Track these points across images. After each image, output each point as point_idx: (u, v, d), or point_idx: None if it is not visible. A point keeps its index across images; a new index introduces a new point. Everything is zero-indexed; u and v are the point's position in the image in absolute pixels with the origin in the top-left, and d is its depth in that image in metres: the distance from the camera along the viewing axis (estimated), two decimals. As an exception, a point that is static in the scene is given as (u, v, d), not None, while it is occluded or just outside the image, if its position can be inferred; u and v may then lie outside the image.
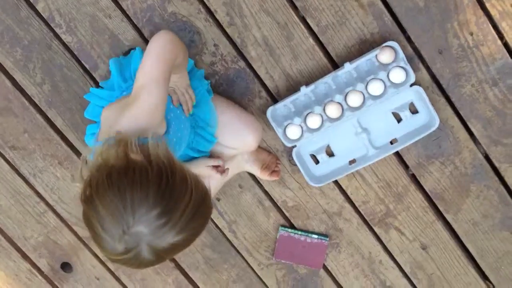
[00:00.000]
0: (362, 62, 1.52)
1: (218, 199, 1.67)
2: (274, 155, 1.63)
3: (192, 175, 1.03)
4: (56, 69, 1.57)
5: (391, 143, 1.60)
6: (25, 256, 1.71)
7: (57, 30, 1.54)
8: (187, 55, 1.34)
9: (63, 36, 1.55)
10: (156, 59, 1.13)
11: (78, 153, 1.63)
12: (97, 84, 1.58)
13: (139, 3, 1.52)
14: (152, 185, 0.98)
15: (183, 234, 0.99)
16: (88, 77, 1.58)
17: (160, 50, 1.15)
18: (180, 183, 1.00)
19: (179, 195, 0.99)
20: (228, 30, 1.54)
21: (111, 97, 1.39)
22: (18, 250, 1.71)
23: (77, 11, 1.53)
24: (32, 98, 1.59)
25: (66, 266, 1.73)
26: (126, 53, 1.54)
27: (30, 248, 1.70)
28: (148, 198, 0.97)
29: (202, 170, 1.44)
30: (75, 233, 1.69)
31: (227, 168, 1.48)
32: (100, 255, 1.71)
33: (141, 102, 1.10)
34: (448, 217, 1.69)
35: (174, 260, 1.72)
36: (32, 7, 1.53)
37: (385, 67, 1.52)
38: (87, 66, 1.57)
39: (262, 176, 1.61)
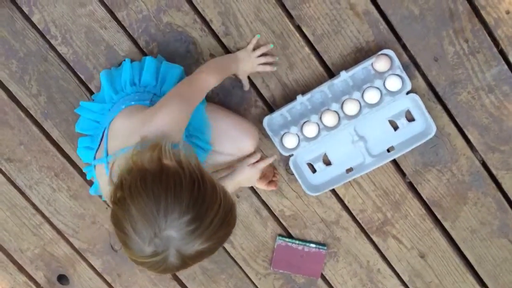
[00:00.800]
0: (358, 70, 1.52)
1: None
2: (272, 165, 1.63)
3: (220, 185, 1.06)
4: (52, 80, 1.57)
5: (388, 151, 1.60)
6: (21, 269, 1.70)
7: (53, 42, 1.54)
8: (228, 69, 1.45)
9: (58, 48, 1.55)
10: (194, 87, 1.29)
11: (74, 164, 1.63)
12: (92, 95, 1.57)
13: (134, 14, 1.52)
14: (186, 191, 1.00)
15: (209, 242, 1.02)
16: (84, 88, 1.57)
17: (200, 85, 1.30)
18: (210, 191, 1.03)
19: (210, 203, 1.02)
20: (223, 40, 1.54)
21: (102, 109, 1.39)
22: (15, 262, 1.70)
23: (73, 22, 1.53)
24: (28, 109, 1.59)
25: (62, 278, 1.72)
26: (120, 64, 1.54)
27: (27, 261, 1.69)
28: (182, 204, 0.99)
29: (249, 171, 1.48)
30: (71, 245, 1.68)
31: (273, 156, 1.55)
32: (97, 266, 1.70)
33: (173, 109, 1.16)
34: (446, 224, 1.69)
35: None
36: (28, 19, 1.53)
37: (381, 75, 1.52)
38: (83, 77, 1.57)
39: (260, 185, 1.61)
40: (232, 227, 1.07)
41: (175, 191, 1.00)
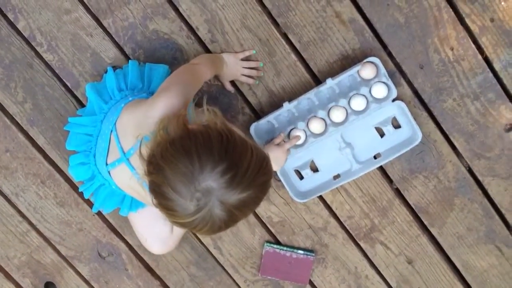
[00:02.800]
0: (344, 77, 1.52)
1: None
2: None
3: (248, 139, 1.09)
4: (38, 87, 1.56)
5: (375, 157, 1.60)
6: (8, 276, 1.69)
7: (38, 49, 1.54)
8: (217, 67, 1.45)
9: (44, 55, 1.54)
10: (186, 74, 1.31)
11: (60, 171, 1.62)
12: (78, 102, 1.57)
13: (120, 21, 1.52)
14: (215, 143, 1.03)
15: (250, 190, 1.03)
16: (70, 95, 1.57)
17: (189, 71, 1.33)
18: (240, 141, 1.05)
19: (242, 151, 1.04)
20: (210, 47, 1.54)
21: (94, 121, 1.39)
22: (1, 270, 1.69)
23: (58, 29, 1.52)
24: (14, 117, 1.58)
25: (50, 286, 1.71)
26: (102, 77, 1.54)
27: (14, 268, 1.68)
28: (213, 154, 1.01)
29: (276, 151, 1.48)
30: (58, 252, 1.68)
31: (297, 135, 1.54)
32: (84, 273, 1.69)
33: (176, 87, 1.21)
34: (433, 231, 1.69)
35: (159, 279, 1.71)
36: (13, 26, 1.53)
37: (367, 82, 1.52)
38: (68, 85, 1.56)
39: None
40: (270, 176, 1.08)
41: (205, 144, 1.02)
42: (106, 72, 1.49)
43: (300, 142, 1.56)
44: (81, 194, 1.63)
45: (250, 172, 1.03)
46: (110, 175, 1.32)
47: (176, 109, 1.15)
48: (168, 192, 1.02)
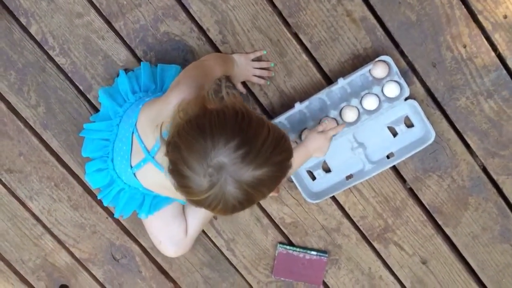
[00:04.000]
0: (356, 77, 1.52)
1: (215, 217, 1.66)
2: None
3: (267, 120, 1.07)
4: (51, 91, 1.57)
5: (388, 157, 1.59)
6: (23, 279, 1.70)
7: (51, 53, 1.55)
8: (227, 66, 1.44)
9: (56, 58, 1.55)
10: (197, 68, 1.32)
11: (74, 174, 1.63)
12: (91, 105, 1.58)
13: (131, 23, 1.53)
14: (229, 120, 1.02)
15: (265, 168, 1.01)
16: (83, 98, 1.58)
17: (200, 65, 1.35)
18: (256, 120, 1.04)
19: (257, 128, 1.03)
20: (221, 48, 1.54)
21: (110, 126, 1.39)
22: (16, 273, 1.70)
23: (70, 33, 1.53)
24: (27, 120, 1.59)
25: (64, 288, 1.72)
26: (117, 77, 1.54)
27: (28, 271, 1.69)
28: (226, 130, 1.01)
29: (319, 139, 1.44)
30: (72, 255, 1.68)
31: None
32: (99, 276, 1.70)
33: (188, 80, 1.23)
34: (448, 230, 1.68)
35: (173, 281, 1.71)
36: (25, 30, 1.54)
37: (379, 81, 1.51)
38: (81, 88, 1.57)
39: None
40: (289, 156, 1.06)
41: (219, 121, 1.02)
42: (118, 75, 1.50)
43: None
44: (94, 197, 1.64)
45: (265, 149, 1.02)
46: (136, 177, 1.32)
47: (194, 90, 1.18)
48: (183, 169, 1.02)
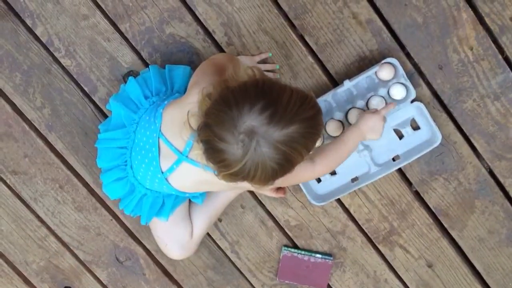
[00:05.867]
0: (362, 79, 1.51)
1: (220, 220, 1.66)
2: None
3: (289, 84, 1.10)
4: (56, 93, 1.57)
5: (394, 160, 1.58)
6: (27, 281, 1.70)
7: (56, 54, 1.55)
8: (235, 64, 1.44)
9: (62, 60, 1.55)
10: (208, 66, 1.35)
11: (78, 176, 1.63)
12: (96, 107, 1.58)
13: (137, 25, 1.53)
14: (251, 87, 1.06)
15: (295, 125, 1.03)
16: (88, 100, 1.58)
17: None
18: (278, 83, 1.07)
19: (279, 89, 1.06)
20: (226, 50, 1.54)
21: (126, 133, 1.38)
22: (20, 275, 1.70)
23: (76, 35, 1.53)
24: (32, 122, 1.59)
25: (68, 291, 1.72)
26: (126, 74, 1.54)
27: (32, 273, 1.69)
28: (250, 96, 1.04)
29: (371, 119, 1.41)
30: (76, 257, 1.68)
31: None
32: (103, 278, 1.70)
33: (202, 69, 1.30)
34: (454, 233, 1.67)
35: (177, 283, 1.70)
36: (31, 31, 1.54)
37: (385, 83, 1.51)
38: (86, 89, 1.57)
39: (268, 192, 1.59)
40: (318, 111, 1.08)
41: (241, 90, 1.05)
42: (124, 81, 1.49)
43: (317, 144, 1.54)
44: (99, 199, 1.64)
45: (292, 106, 1.03)
46: (167, 181, 1.31)
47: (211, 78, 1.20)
48: (216, 144, 1.04)
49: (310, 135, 1.07)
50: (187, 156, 1.25)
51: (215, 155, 1.07)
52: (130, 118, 1.38)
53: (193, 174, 1.26)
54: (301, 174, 1.29)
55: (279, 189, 1.60)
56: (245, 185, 1.14)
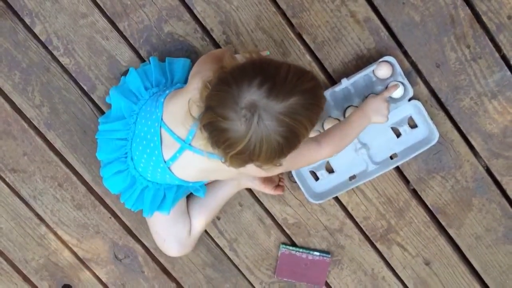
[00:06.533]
0: (360, 77, 1.52)
1: (218, 218, 1.66)
2: None
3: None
4: (55, 91, 1.58)
5: (391, 158, 1.59)
6: (26, 279, 1.71)
7: (55, 53, 1.55)
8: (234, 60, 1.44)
9: (61, 59, 1.56)
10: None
11: (77, 174, 1.63)
12: (95, 106, 1.58)
13: (135, 24, 1.53)
14: (248, 65, 1.08)
15: (296, 96, 1.04)
16: (87, 98, 1.58)
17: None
18: (274, 60, 1.09)
19: (276, 65, 1.07)
20: (225, 48, 1.54)
21: (126, 124, 1.39)
22: (19, 272, 1.70)
23: (74, 33, 1.54)
24: (31, 120, 1.60)
25: (67, 288, 1.73)
26: (125, 73, 1.54)
27: (32, 271, 1.70)
28: (247, 73, 1.05)
29: (374, 101, 1.43)
30: (75, 255, 1.69)
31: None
32: (101, 275, 1.70)
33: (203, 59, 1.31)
34: (451, 231, 1.67)
35: (175, 281, 1.71)
36: (30, 30, 1.54)
37: (382, 82, 1.51)
38: (85, 88, 1.58)
39: (266, 190, 1.59)
40: (317, 84, 1.09)
41: (238, 69, 1.07)
42: (124, 74, 1.50)
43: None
44: (98, 197, 1.64)
45: (290, 79, 1.04)
46: (170, 170, 1.31)
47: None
48: (220, 123, 1.05)
49: (312, 107, 1.07)
50: (190, 144, 1.25)
51: (219, 136, 1.07)
52: (130, 109, 1.39)
53: (197, 162, 1.27)
54: (308, 155, 1.30)
55: (277, 186, 1.60)
56: (252, 171, 1.14)
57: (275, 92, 1.03)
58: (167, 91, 1.34)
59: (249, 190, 1.64)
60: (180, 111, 1.22)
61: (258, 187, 1.59)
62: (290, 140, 1.06)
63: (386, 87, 1.50)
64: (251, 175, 1.40)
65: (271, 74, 1.05)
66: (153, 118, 1.31)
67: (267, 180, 1.58)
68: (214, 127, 1.07)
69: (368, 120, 1.41)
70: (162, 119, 1.29)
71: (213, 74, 1.13)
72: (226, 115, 1.05)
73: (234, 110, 1.04)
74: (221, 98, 1.06)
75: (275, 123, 1.04)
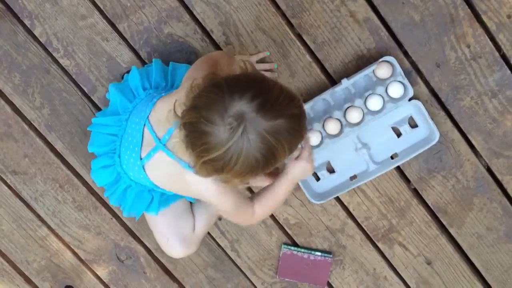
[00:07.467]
0: (360, 77, 1.52)
1: (220, 218, 1.66)
2: None
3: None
4: (55, 93, 1.58)
5: (392, 158, 1.59)
6: (28, 280, 1.71)
7: (55, 54, 1.55)
8: (233, 63, 1.43)
9: (61, 60, 1.56)
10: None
11: (78, 175, 1.63)
12: (95, 107, 1.58)
13: (135, 25, 1.53)
14: (243, 76, 1.08)
15: (283, 119, 1.04)
16: (87, 100, 1.58)
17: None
18: (268, 79, 1.09)
19: (270, 83, 1.07)
20: (224, 50, 1.54)
21: (119, 121, 1.39)
22: (21, 274, 1.70)
23: (74, 35, 1.54)
24: (32, 122, 1.60)
25: (69, 289, 1.73)
26: (128, 72, 1.54)
27: (33, 272, 1.70)
28: (241, 83, 1.06)
29: (299, 165, 1.38)
30: (77, 256, 1.69)
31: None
32: (103, 276, 1.70)
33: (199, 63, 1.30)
34: (452, 231, 1.67)
35: (177, 281, 1.71)
36: (30, 32, 1.54)
37: (383, 82, 1.51)
38: (85, 89, 1.58)
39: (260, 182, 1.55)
40: (303, 113, 1.10)
41: (233, 77, 1.07)
42: (127, 72, 1.50)
43: (316, 143, 1.55)
44: (99, 198, 1.65)
45: (281, 101, 1.05)
46: (144, 170, 1.32)
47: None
48: (201, 125, 1.04)
49: (295, 133, 1.07)
50: (164, 145, 1.24)
51: (198, 138, 1.06)
52: (125, 106, 1.39)
53: (166, 165, 1.25)
54: (242, 213, 1.33)
55: (270, 174, 1.51)
56: (208, 189, 1.17)
57: (265, 110, 1.03)
58: (163, 94, 1.34)
59: (250, 191, 1.65)
60: (165, 111, 1.21)
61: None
62: (267, 160, 1.06)
63: (303, 148, 1.40)
64: (206, 199, 1.31)
65: (264, 91, 1.05)
66: (141, 115, 1.31)
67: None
68: (195, 127, 1.06)
69: (294, 182, 1.40)
70: (148, 117, 1.29)
71: (203, 79, 1.11)
72: (211, 118, 1.04)
73: (221, 116, 1.03)
74: (210, 101, 1.05)
75: (258, 139, 1.03)
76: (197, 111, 1.06)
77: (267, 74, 1.54)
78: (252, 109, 1.03)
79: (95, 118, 1.45)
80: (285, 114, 1.05)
